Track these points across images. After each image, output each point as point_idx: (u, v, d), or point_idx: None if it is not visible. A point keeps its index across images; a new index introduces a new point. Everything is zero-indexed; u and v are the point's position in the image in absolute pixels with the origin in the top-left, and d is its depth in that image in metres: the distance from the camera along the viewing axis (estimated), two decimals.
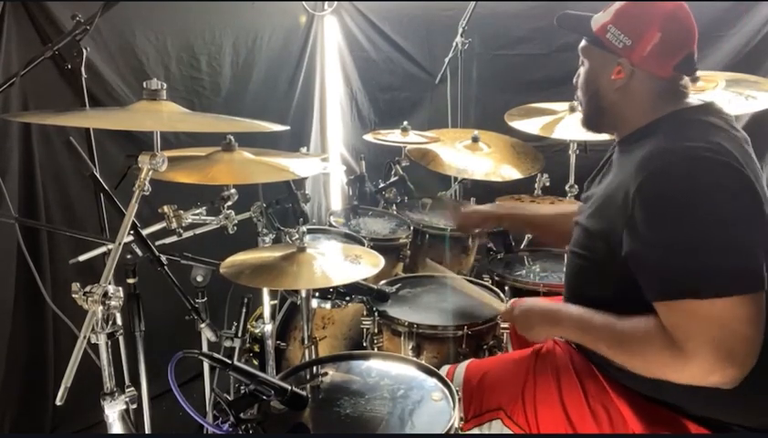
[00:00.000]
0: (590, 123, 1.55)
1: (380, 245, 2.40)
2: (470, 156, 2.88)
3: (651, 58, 1.34)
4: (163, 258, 1.55)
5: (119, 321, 1.25)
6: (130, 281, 1.62)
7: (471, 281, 2.06)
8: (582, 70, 1.50)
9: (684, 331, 1.11)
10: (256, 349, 2.05)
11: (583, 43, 1.48)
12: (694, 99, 1.40)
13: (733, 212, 1.15)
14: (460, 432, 1.35)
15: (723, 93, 2.25)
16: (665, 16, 1.34)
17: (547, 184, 2.75)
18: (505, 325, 1.85)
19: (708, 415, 1.26)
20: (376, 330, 1.86)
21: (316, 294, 1.94)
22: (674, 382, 1.18)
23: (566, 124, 2.61)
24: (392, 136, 2.85)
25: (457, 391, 1.39)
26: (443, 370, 1.58)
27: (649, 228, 1.19)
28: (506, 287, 2.15)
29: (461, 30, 3.10)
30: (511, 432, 1.44)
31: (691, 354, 1.10)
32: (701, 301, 1.10)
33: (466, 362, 1.63)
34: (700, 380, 1.11)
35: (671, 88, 1.38)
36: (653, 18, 1.34)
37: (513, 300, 1.78)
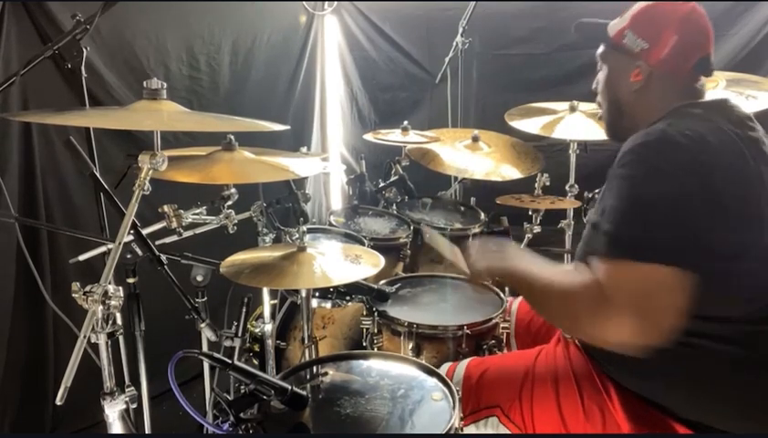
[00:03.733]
0: (614, 129, 1.56)
1: (380, 245, 2.40)
2: (470, 156, 2.88)
3: (669, 60, 1.37)
4: (163, 258, 1.55)
5: (119, 321, 1.25)
6: (130, 281, 1.62)
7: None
8: (601, 76, 1.53)
9: (619, 291, 1.14)
10: (256, 348, 2.05)
11: (601, 49, 1.51)
12: (709, 97, 1.41)
13: (688, 192, 1.17)
14: (460, 432, 1.36)
15: (723, 93, 2.25)
16: (682, 18, 1.37)
17: (547, 184, 2.75)
18: (505, 325, 1.86)
19: (699, 420, 1.27)
20: (376, 330, 1.86)
21: (316, 294, 1.95)
22: (668, 386, 1.23)
23: (566, 124, 2.61)
24: (392, 136, 2.85)
25: (458, 391, 1.39)
26: (444, 368, 1.60)
27: (610, 194, 1.23)
28: (506, 287, 2.15)
29: (461, 30, 3.11)
30: (507, 430, 1.46)
31: (617, 312, 1.13)
32: (640, 264, 1.14)
33: (467, 360, 1.65)
34: (614, 337, 1.14)
35: (687, 88, 1.40)
36: (670, 21, 1.37)
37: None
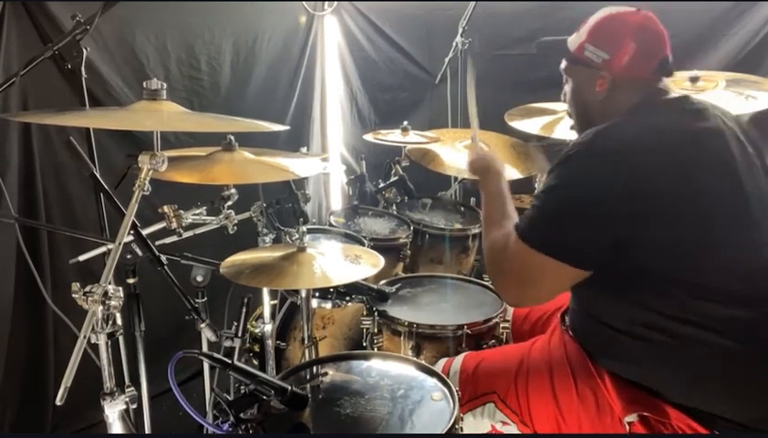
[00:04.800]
0: None
1: (380, 245, 2.40)
2: None
3: (630, 67, 1.46)
4: (163, 258, 1.55)
5: (119, 321, 1.25)
6: (130, 281, 1.62)
7: None
8: (567, 89, 1.63)
9: (519, 262, 1.36)
10: (256, 348, 2.05)
11: (563, 64, 1.61)
12: (673, 96, 1.48)
13: (595, 196, 1.29)
14: (460, 432, 1.36)
15: (723, 93, 2.25)
16: (637, 26, 1.46)
17: None
18: (505, 324, 1.86)
19: (690, 404, 1.29)
20: (375, 330, 1.86)
21: (316, 294, 1.95)
22: (657, 372, 1.32)
23: (566, 124, 2.60)
24: (392, 136, 2.85)
25: (457, 392, 1.39)
26: (440, 364, 1.62)
27: (548, 183, 1.38)
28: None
29: (461, 30, 3.10)
30: (503, 416, 1.50)
31: (508, 272, 1.42)
32: (540, 254, 1.31)
33: (463, 355, 1.67)
34: (500, 289, 1.59)
35: (650, 90, 1.47)
36: (627, 30, 1.46)
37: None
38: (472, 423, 1.54)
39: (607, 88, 1.49)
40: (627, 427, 1.32)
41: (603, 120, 1.50)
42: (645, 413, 1.31)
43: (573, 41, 1.55)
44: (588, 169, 1.32)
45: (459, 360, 1.64)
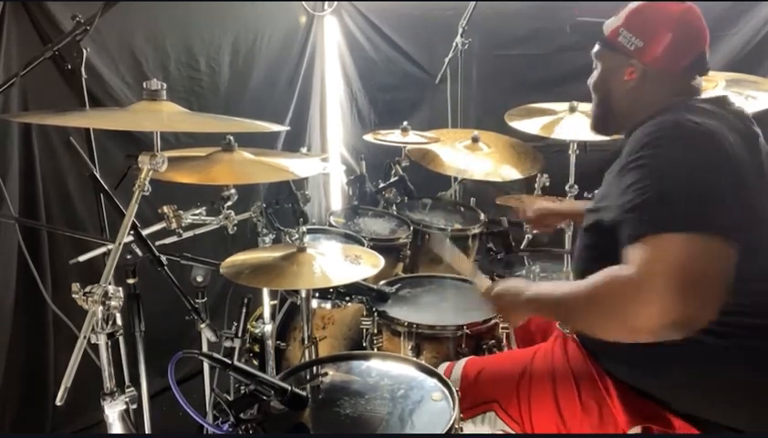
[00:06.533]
0: (600, 123, 1.59)
1: (380, 245, 2.40)
2: (470, 156, 2.88)
3: (663, 59, 1.39)
4: (163, 258, 1.55)
5: (119, 321, 1.25)
6: (130, 281, 1.62)
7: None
8: (596, 73, 1.55)
9: (646, 267, 1.08)
10: (256, 349, 2.05)
11: (596, 47, 1.53)
12: (707, 95, 1.43)
13: (716, 165, 1.17)
14: (460, 432, 1.36)
15: (723, 93, 2.25)
16: (676, 17, 1.39)
17: (547, 184, 2.75)
18: (505, 325, 1.86)
19: (695, 413, 1.28)
20: (375, 330, 1.86)
21: (316, 294, 1.95)
22: (663, 377, 1.24)
23: (566, 124, 2.61)
24: (392, 136, 2.85)
25: (457, 392, 1.39)
26: (441, 368, 1.60)
27: (640, 174, 1.19)
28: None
29: (461, 30, 3.10)
30: (504, 425, 1.47)
31: (650, 287, 1.06)
32: (679, 234, 1.08)
33: (464, 359, 1.65)
34: (658, 320, 1.05)
35: (682, 86, 1.42)
36: (664, 20, 1.39)
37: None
38: (472, 431, 1.52)
39: (636, 77, 1.42)
40: None
41: (625, 110, 1.47)
42: (648, 425, 1.29)
43: (609, 24, 1.48)
44: (685, 142, 1.20)
45: (460, 366, 1.61)
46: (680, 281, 1.04)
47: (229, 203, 1.87)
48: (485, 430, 1.52)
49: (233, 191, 1.86)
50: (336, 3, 3.66)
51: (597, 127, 1.61)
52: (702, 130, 1.21)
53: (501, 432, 1.50)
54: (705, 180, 1.15)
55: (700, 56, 1.42)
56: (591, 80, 1.57)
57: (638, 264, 1.09)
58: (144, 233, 1.56)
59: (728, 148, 1.20)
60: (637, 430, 1.30)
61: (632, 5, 1.45)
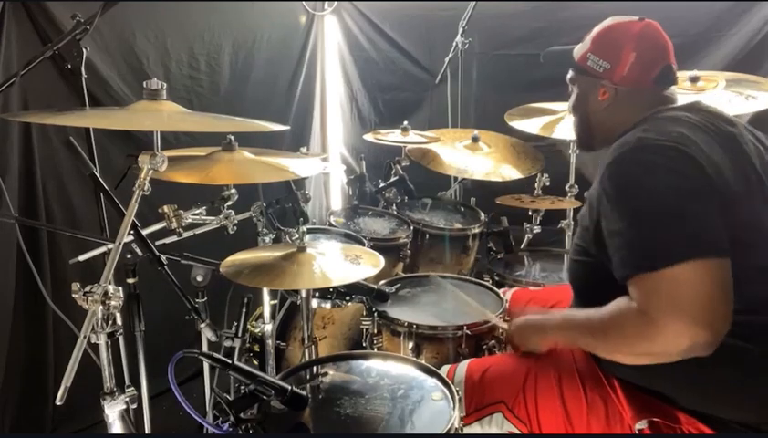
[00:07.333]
0: (584, 143, 1.69)
1: (380, 245, 2.39)
2: (470, 156, 2.88)
3: (631, 76, 1.47)
4: (163, 258, 1.55)
5: (119, 321, 1.25)
6: (130, 281, 1.62)
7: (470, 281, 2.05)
8: (572, 97, 1.64)
9: (651, 303, 1.15)
10: (256, 348, 2.05)
11: (570, 73, 1.62)
12: (681, 101, 1.47)
13: (678, 186, 1.20)
14: (460, 431, 1.36)
15: (723, 93, 2.26)
16: (637, 36, 1.46)
17: (547, 184, 2.76)
18: (505, 325, 1.85)
19: (700, 409, 1.28)
20: (375, 330, 1.86)
21: (316, 294, 1.94)
22: (667, 376, 1.24)
23: (566, 124, 2.61)
24: (392, 136, 2.85)
25: (458, 392, 1.39)
26: (444, 370, 1.59)
27: (612, 213, 1.25)
28: (506, 287, 2.15)
29: (461, 30, 3.11)
30: (512, 426, 1.46)
31: (661, 323, 1.13)
32: (660, 271, 1.14)
33: (467, 361, 1.64)
34: (674, 347, 1.13)
35: (655, 98, 1.47)
36: (626, 40, 1.47)
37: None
38: (479, 433, 1.51)
39: (609, 97, 1.50)
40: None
41: (606, 130, 1.53)
42: (655, 419, 1.30)
43: (578, 51, 1.57)
44: (644, 166, 1.24)
45: (463, 368, 1.60)
46: (682, 309, 1.11)
47: (229, 203, 1.87)
48: (493, 432, 1.51)
49: (233, 190, 1.86)
50: (336, 2, 3.66)
51: (582, 146, 1.72)
52: (666, 146, 1.25)
53: (506, 433, 1.50)
54: (677, 205, 1.19)
55: (666, 68, 1.48)
56: (569, 104, 1.65)
57: (638, 302, 1.17)
58: (144, 232, 1.56)
59: (697, 155, 1.23)
60: (643, 423, 1.30)
61: (596, 29, 1.54)
